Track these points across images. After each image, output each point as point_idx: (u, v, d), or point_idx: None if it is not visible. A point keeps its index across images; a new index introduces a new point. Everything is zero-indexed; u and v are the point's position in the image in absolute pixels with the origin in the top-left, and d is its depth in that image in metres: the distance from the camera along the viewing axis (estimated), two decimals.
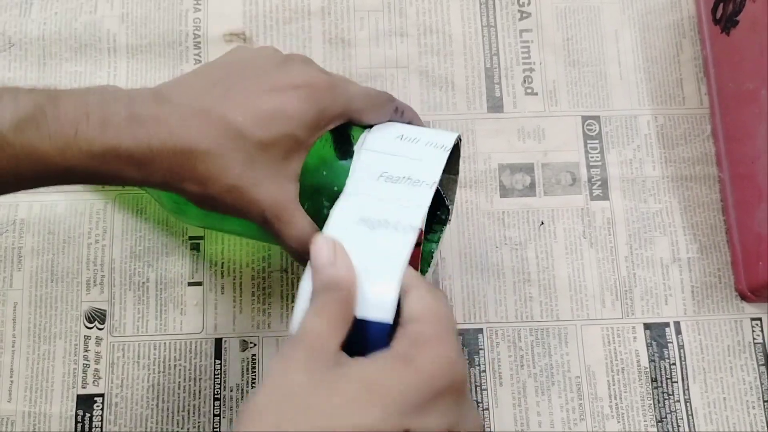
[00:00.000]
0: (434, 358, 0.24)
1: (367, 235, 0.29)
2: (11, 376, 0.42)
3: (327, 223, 0.30)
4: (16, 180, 0.27)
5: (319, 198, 0.32)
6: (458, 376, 0.25)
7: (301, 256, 0.30)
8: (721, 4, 0.46)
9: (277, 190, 0.30)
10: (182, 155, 0.28)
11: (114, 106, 0.27)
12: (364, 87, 0.34)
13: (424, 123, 0.39)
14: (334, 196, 0.32)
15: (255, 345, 0.43)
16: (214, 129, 0.29)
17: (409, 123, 0.36)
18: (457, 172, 0.38)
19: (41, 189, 0.45)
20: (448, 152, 0.32)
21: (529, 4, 0.49)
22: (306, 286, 0.28)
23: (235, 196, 0.29)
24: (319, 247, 0.28)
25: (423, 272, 0.37)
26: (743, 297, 0.44)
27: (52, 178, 0.27)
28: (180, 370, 0.43)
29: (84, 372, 0.42)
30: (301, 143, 0.30)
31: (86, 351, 0.43)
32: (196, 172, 0.28)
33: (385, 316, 0.27)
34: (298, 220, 0.31)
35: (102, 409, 0.42)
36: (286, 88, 0.30)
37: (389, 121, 0.35)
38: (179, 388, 0.42)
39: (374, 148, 0.33)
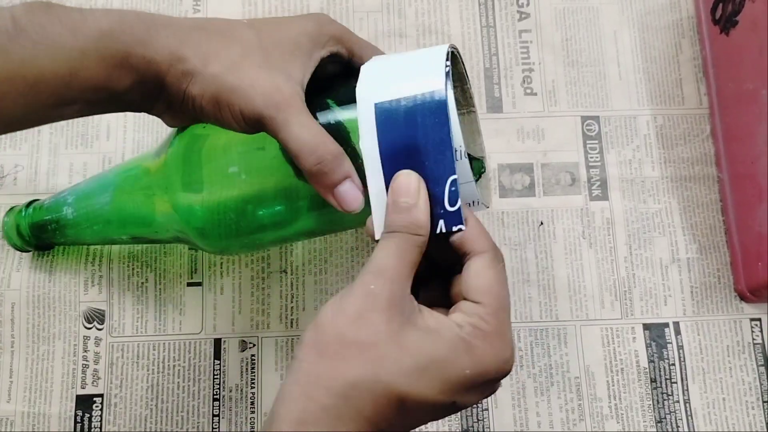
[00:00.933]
0: (492, 354, 0.27)
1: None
2: (10, 377, 0.42)
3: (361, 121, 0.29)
4: (36, 78, 0.26)
5: None
6: (506, 370, 0.28)
7: (302, 158, 0.29)
8: (721, 5, 0.46)
9: (283, 81, 0.29)
10: (188, 30, 0.28)
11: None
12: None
13: None
14: None
15: (254, 345, 0.43)
16: (220, 22, 0.30)
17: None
18: (473, 105, 0.35)
19: (41, 190, 0.45)
20: (447, 45, 0.31)
21: (528, 4, 0.49)
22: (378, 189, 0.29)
23: (238, 75, 0.28)
24: (406, 183, 0.28)
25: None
26: (742, 297, 0.44)
27: (67, 72, 0.27)
28: (179, 370, 0.43)
29: (83, 372, 0.42)
30: (303, 50, 0.30)
31: (85, 351, 0.43)
32: (201, 48, 0.28)
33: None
34: (308, 118, 0.29)
35: (101, 410, 0.42)
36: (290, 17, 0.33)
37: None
38: (178, 389, 0.42)
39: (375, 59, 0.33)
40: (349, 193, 0.29)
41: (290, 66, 0.30)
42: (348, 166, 0.29)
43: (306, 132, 0.28)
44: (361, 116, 0.29)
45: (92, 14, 0.27)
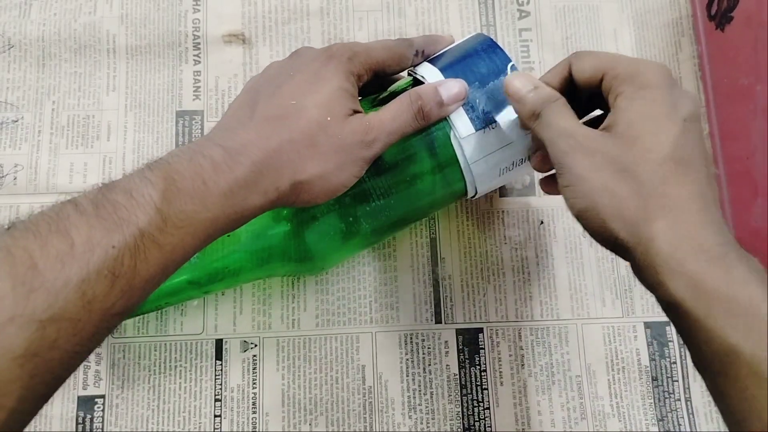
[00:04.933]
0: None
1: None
2: None
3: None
4: (184, 256, 0.28)
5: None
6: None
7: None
8: (716, 1, 0.46)
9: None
10: (276, 156, 0.31)
11: (207, 150, 0.30)
12: (382, 41, 0.37)
13: None
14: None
15: (255, 345, 0.43)
16: (294, 126, 0.32)
17: (432, 55, 0.39)
18: None
19: (41, 190, 0.45)
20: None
21: (528, 3, 0.49)
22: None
23: (326, 170, 0.32)
24: (510, 81, 0.33)
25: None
26: None
27: (202, 240, 0.29)
28: (181, 371, 0.43)
29: (84, 373, 0.42)
30: (354, 108, 0.34)
31: None
32: (296, 164, 0.31)
33: None
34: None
35: (103, 411, 0.42)
36: (318, 77, 0.33)
37: (412, 65, 0.38)
38: (180, 389, 0.42)
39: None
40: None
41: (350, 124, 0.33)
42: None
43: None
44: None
45: (211, 179, 0.29)
